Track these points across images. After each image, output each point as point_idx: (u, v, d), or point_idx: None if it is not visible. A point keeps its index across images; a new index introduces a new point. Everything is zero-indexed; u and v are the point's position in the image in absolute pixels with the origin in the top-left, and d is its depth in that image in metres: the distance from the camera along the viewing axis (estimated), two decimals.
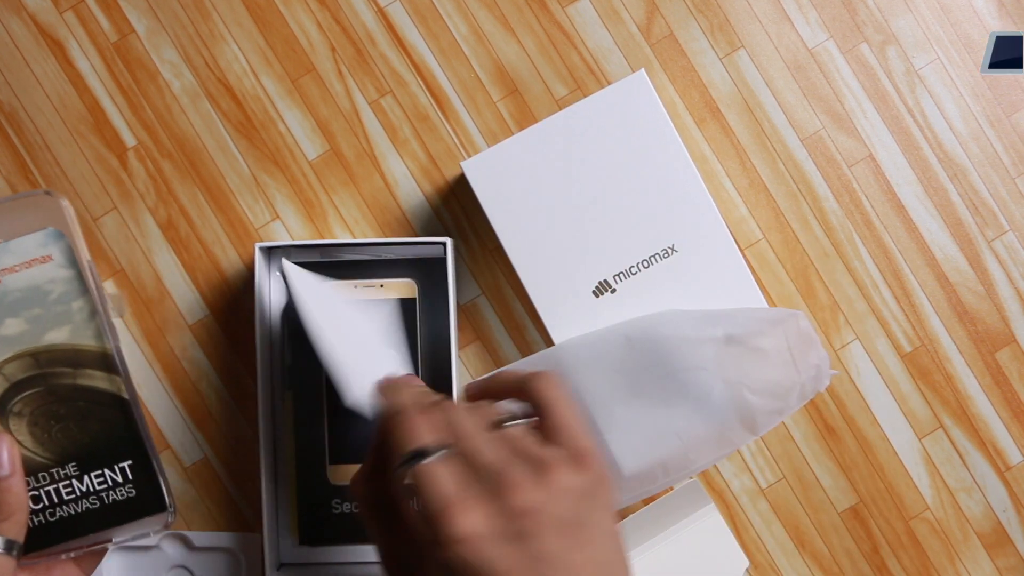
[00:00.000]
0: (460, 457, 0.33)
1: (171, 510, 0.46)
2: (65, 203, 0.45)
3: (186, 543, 0.56)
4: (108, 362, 0.44)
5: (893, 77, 0.58)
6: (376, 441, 0.38)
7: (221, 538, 0.56)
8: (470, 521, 0.31)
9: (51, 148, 0.57)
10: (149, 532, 0.45)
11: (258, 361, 0.52)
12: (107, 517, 0.44)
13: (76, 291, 0.44)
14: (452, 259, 0.53)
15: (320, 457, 0.52)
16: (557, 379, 0.37)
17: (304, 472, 0.52)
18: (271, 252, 0.55)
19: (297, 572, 0.54)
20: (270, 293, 0.55)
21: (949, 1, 0.58)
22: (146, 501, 0.45)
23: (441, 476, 0.32)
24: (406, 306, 0.51)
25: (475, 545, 0.30)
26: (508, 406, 0.38)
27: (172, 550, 0.56)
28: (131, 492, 0.44)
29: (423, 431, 0.34)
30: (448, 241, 0.52)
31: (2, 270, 0.43)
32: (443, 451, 0.33)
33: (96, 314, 0.44)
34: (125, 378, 0.44)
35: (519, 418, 0.36)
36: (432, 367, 0.52)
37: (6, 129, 0.57)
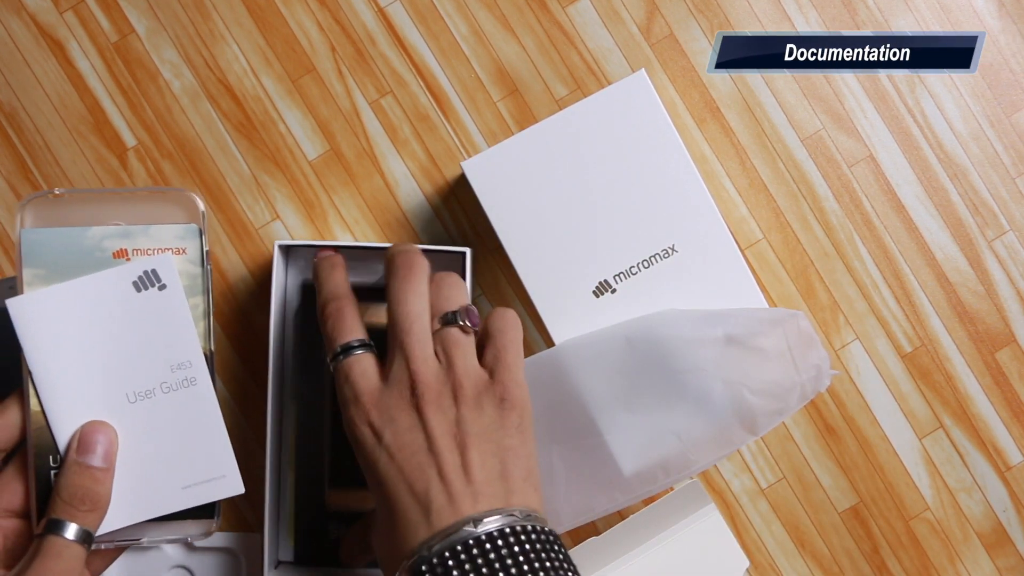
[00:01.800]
0: (398, 350, 0.39)
1: (218, 518, 0.45)
2: (202, 206, 0.47)
3: (186, 543, 0.56)
4: (207, 363, 0.45)
5: (893, 77, 0.58)
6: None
7: (221, 538, 0.56)
8: (371, 422, 0.38)
9: (51, 148, 0.57)
10: (188, 538, 0.45)
11: (270, 359, 0.52)
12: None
13: (198, 288, 0.45)
14: (471, 270, 0.53)
15: (319, 480, 0.51)
16: (514, 319, 0.42)
17: (302, 494, 0.51)
18: (290, 251, 0.54)
19: (295, 571, 0.54)
20: (285, 292, 0.55)
21: (949, 1, 0.58)
22: (196, 505, 0.45)
23: (356, 374, 0.39)
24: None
25: (367, 446, 0.38)
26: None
27: (172, 550, 0.56)
28: None
29: (355, 324, 0.40)
30: (468, 251, 0.52)
31: (136, 250, 0.45)
32: (365, 349, 0.39)
33: (207, 315, 0.45)
34: (212, 381, 0.45)
35: (466, 323, 0.41)
36: None
37: (6, 129, 0.57)
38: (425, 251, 0.52)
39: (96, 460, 0.40)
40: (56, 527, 0.39)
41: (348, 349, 0.41)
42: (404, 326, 0.41)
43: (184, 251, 0.45)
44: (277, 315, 0.53)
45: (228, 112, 0.58)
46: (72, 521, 0.39)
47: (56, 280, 0.43)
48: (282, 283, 0.54)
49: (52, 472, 0.41)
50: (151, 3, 0.58)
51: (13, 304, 0.41)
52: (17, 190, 0.57)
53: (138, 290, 0.43)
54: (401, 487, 0.36)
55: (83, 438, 0.41)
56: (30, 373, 0.41)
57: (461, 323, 0.42)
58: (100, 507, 0.40)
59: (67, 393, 0.41)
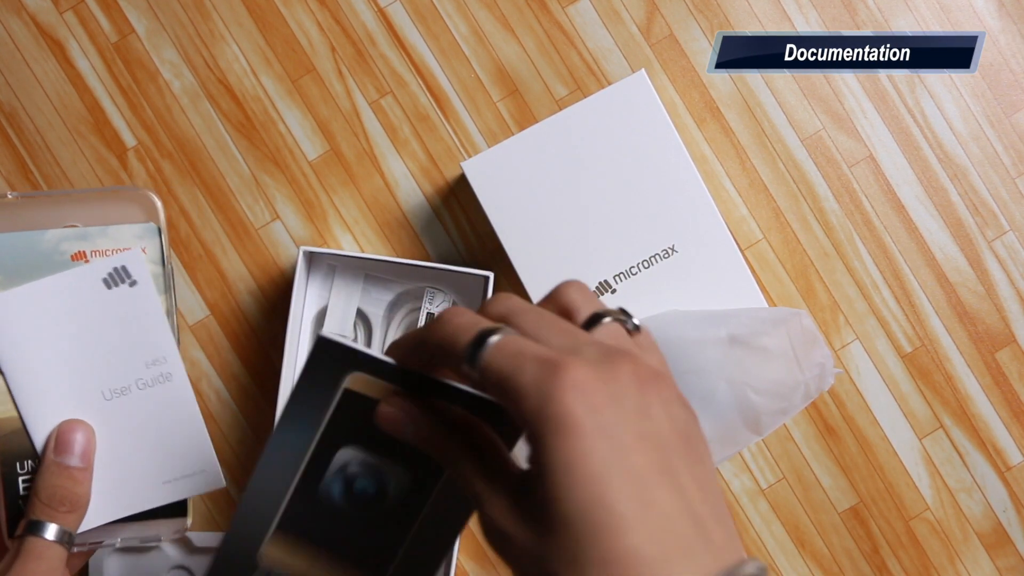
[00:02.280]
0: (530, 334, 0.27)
1: (190, 517, 0.45)
2: (160, 204, 0.47)
3: (186, 543, 0.56)
4: None
5: (893, 77, 0.58)
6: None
7: (221, 538, 0.56)
8: (578, 370, 0.24)
9: (51, 148, 0.57)
10: (160, 536, 0.45)
11: (284, 363, 0.52)
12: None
13: (160, 288, 0.45)
14: (491, 294, 0.53)
15: (263, 519, 0.35)
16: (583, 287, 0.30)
17: (233, 538, 0.35)
18: (312, 257, 0.55)
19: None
20: (305, 298, 0.55)
21: (949, 1, 0.58)
22: (166, 504, 0.44)
23: (524, 344, 0.26)
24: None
25: (587, 393, 0.24)
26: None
27: (172, 550, 0.56)
28: None
29: (477, 318, 0.28)
30: (491, 275, 0.52)
31: (95, 251, 0.45)
32: (507, 329, 0.27)
33: (170, 314, 0.45)
34: None
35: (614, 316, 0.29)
36: (434, 523, 0.36)
37: (6, 129, 0.57)
38: (446, 272, 0.53)
39: (74, 460, 0.40)
40: (36, 528, 0.38)
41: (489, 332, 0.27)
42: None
43: (144, 251, 0.45)
44: (295, 321, 0.53)
45: (228, 112, 0.58)
46: (52, 522, 0.38)
47: (14, 286, 0.42)
48: (303, 290, 0.54)
49: (21, 479, 0.41)
50: (151, 3, 0.58)
51: None
52: (17, 190, 0.57)
53: (108, 287, 0.43)
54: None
55: (60, 437, 0.40)
56: (2, 374, 0.41)
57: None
58: (80, 507, 0.40)
59: (42, 393, 0.41)
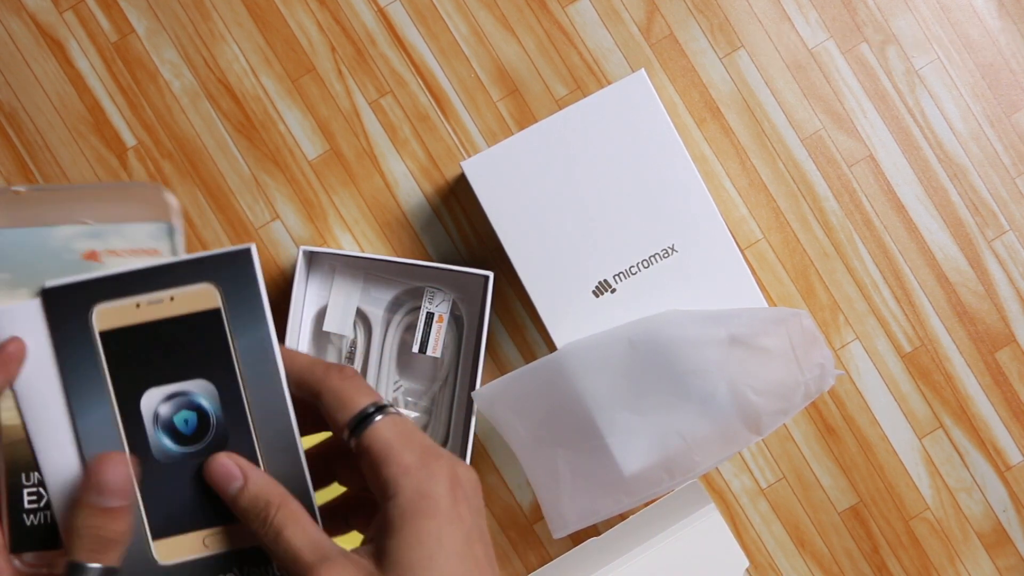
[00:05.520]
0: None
1: None
2: (175, 203, 0.45)
3: None
4: None
5: (893, 77, 0.58)
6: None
7: None
8: (452, 466, 0.31)
9: (51, 148, 0.57)
10: None
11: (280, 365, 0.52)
12: None
13: None
14: (491, 294, 0.53)
15: (137, 533, 0.36)
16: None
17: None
18: (312, 256, 0.55)
19: None
20: (305, 298, 0.55)
21: (949, 1, 0.58)
22: None
23: (412, 427, 0.32)
24: (209, 320, 0.35)
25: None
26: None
27: None
28: None
29: (370, 391, 0.33)
30: (491, 275, 0.52)
31: (109, 251, 0.43)
32: (392, 409, 0.33)
33: None
34: None
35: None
36: (261, 394, 0.35)
37: (6, 129, 0.57)
38: (446, 272, 0.53)
39: (113, 501, 0.37)
40: (79, 571, 0.37)
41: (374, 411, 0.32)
42: None
43: (159, 252, 0.44)
44: (295, 321, 0.53)
45: (228, 112, 0.58)
46: (95, 563, 0.37)
47: (23, 284, 0.41)
48: (303, 289, 0.54)
49: (25, 491, 0.37)
50: (151, 3, 0.58)
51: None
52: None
53: None
54: None
55: (95, 477, 0.38)
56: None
57: None
58: (123, 543, 0.38)
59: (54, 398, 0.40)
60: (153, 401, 0.34)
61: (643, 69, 0.50)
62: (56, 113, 0.57)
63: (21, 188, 0.43)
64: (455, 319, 0.56)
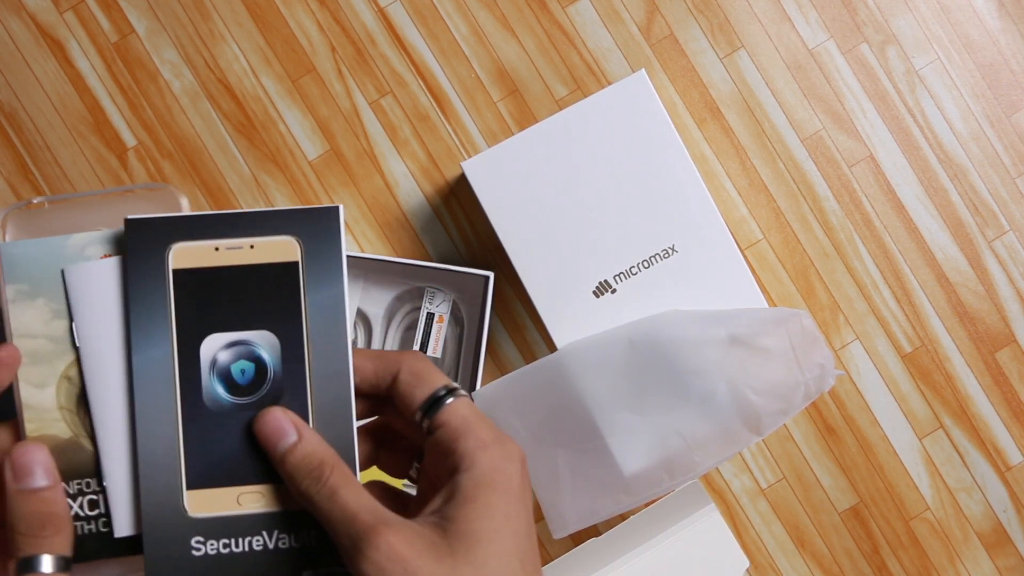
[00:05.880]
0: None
1: None
2: (185, 201, 0.45)
3: None
4: None
5: (893, 77, 0.58)
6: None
7: None
8: (517, 448, 0.32)
9: (51, 148, 0.57)
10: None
11: None
12: None
13: None
14: (491, 294, 0.53)
15: (171, 480, 0.35)
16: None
17: (149, 501, 0.35)
18: None
19: None
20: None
21: (949, 1, 0.58)
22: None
23: (478, 411, 0.33)
24: (285, 272, 0.35)
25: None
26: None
27: None
28: None
29: (440, 374, 0.34)
30: (491, 276, 0.52)
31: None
32: (461, 392, 0.33)
33: None
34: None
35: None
36: (323, 354, 0.35)
37: (6, 129, 0.57)
38: (446, 272, 0.53)
39: (39, 480, 0.37)
40: (30, 565, 0.36)
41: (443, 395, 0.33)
42: None
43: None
44: None
45: (228, 112, 0.58)
46: (43, 552, 0.36)
47: (41, 295, 0.39)
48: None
49: (86, 497, 0.36)
50: (151, 3, 0.58)
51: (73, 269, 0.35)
52: (17, 190, 0.57)
53: None
54: None
55: (16, 465, 0.37)
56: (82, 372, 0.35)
57: None
58: (64, 526, 0.36)
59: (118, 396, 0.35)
60: (213, 347, 0.33)
61: (643, 69, 0.50)
62: (56, 113, 0.57)
63: (38, 200, 0.42)
64: (455, 319, 0.56)
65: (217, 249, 0.33)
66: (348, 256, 0.53)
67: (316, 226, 0.33)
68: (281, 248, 0.33)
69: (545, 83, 0.58)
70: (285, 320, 0.33)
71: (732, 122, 0.58)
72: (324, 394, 0.33)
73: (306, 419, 0.33)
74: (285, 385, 0.33)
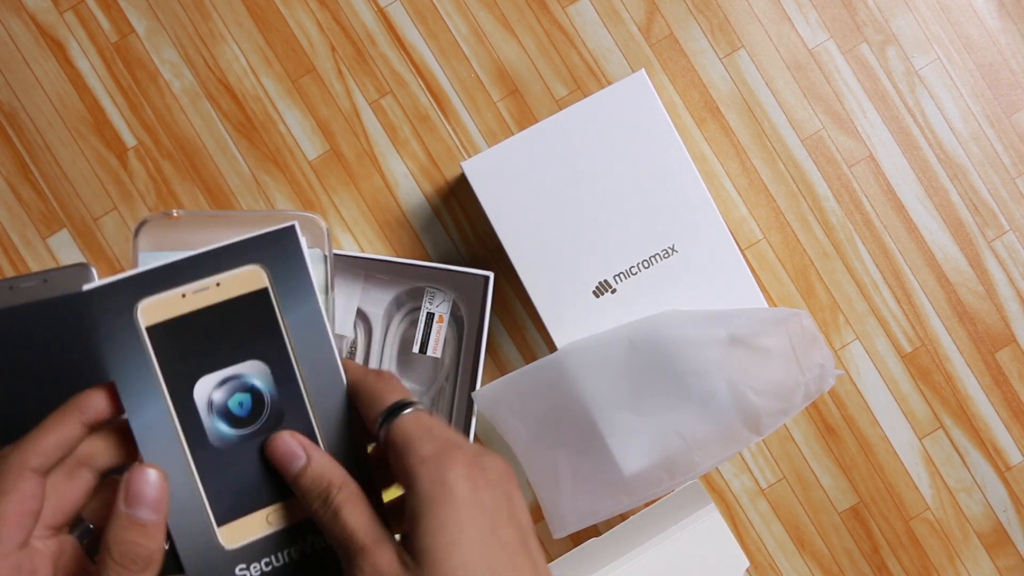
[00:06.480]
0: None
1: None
2: (326, 228, 0.44)
3: None
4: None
5: (893, 77, 0.58)
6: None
7: None
8: (467, 454, 0.32)
9: (51, 148, 0.57)
10: None
11: None
12: None
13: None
14: (491, 294, 0.53)
15: (201, 522, 0.36)
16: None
17: (186, 547, 0.35)
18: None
19: None
20: None
21: (949, 1, 0.58)
22: None
23: (432, 422, 0.33)
24: (258, 300, 0.34)
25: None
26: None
27: None
28: None
29: (402, 389, 0.34)
30: (491, 276, 0.52)
31: None
32: (419, 406, 0.33)
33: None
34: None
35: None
36: (314, 370, 0.35)
37: (6, 129, 0.57)
38: (446, 272, 0.53)
39: (146, 512, 0.36)
40: None
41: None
42: None
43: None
44: None
45: (228, 112, 0.58)
46: None
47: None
48: None
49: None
50: (151, 3, 0.58)
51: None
52: (17, 190, 0.57)
53: None
54: None
55: (130, 487, 0.37)
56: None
57: None
58: (153, 564, 0.36)
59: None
60: (207, 388, 0.33)
61: (643, 69, 0.50)
62: (56, 113, 0.57)
63: (176, 212, 0.41)
64: (455, 319, 0.56)
65: (184, 296, 0.33)
66: (347, 256, 0.53)
67: (276, 247, 0.34)
68: (247, 278, 0.33)
69: (545, 83, 0.58)
70: (269, 345, 0.34)
71: (732, 122, 0.58)
72: (323, 407, 0.34)
73: (312, 435, 0.33)
74: (284, 407, 0.34)
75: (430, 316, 0.54)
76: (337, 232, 0.57)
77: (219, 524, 0.35)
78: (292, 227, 0.33)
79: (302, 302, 0.34)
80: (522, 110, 0.58)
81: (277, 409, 0.34)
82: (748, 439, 0.48)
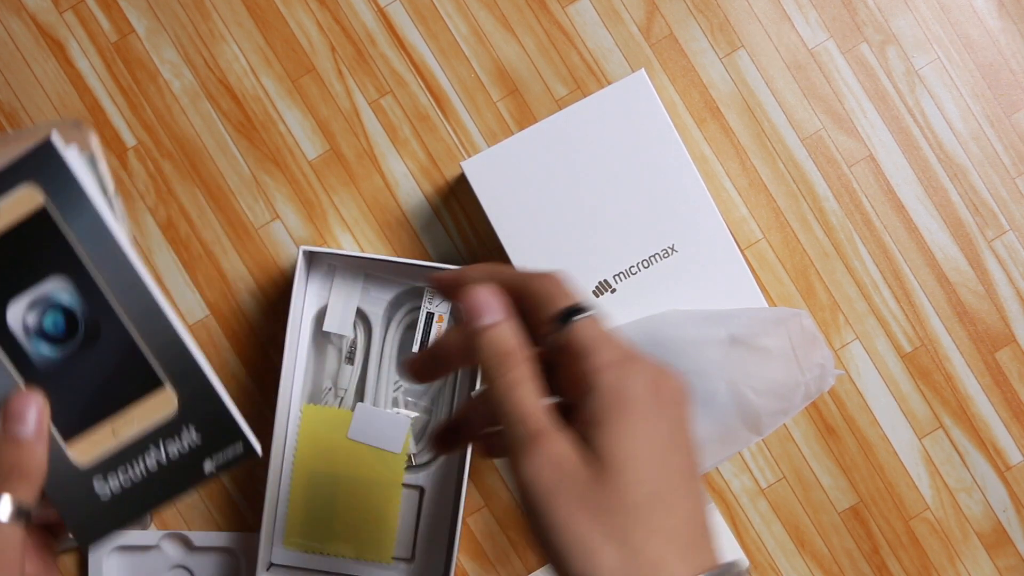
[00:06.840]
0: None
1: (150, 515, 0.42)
2: (94, 137, 0.44)
3: (186, 543, 0.56)
4: None
5: (893, 77, 0.58)
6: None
7: (221, 538, 0.56)
8: (651, 366, 0.30)
9: None
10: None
11: (284, 363, 0.52)
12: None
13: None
14: None
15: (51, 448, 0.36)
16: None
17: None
18: (312, 256, 0.55)
19: (286, 573, 0.54)
20: (304, 298, 0.55)
21: (949, 1, 0.58)
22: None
23: (610, 330, 0.31)
24: (41, 219, 0.34)
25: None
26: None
27: (172, 550, 0.56)
28: None
29: (570, 294, 0.32)
30: None
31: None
32: (596, 310, 0.32)
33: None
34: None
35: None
36: (114, 274, 0.34)
37: (6, 129, 0.57)
38: (438, 270, 0.53)
39: (26, 431, 0.37)
40: None
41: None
42: None
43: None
44: (295, 321, 0.53)
45: (228, 112, 0.58)
46: (4, 492, 0.35)
47: None
48: (303, 290, 0.54)
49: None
50: (151, 3, 0.58)
51: None
52: None
53: None
54: None
55: (10, 409, 0.37)
56: None
57: None
58: (32, 477, 0.36)
59: None
60: (19, 313, 0.34)
61: (643, 69, 0.51)
62: (56, 113, 0.57)
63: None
64: (455, 319, 0.56)
65: None
66: (348, 255, 0.53)
67: (41, 162, 0.34)
68: (24, 200, 0.34)
69: (545, 83, 0.58)
70: (63, 259, 0.34)
71: (732, 122, 0.58)
72: (135, 311, 0.34)
73: (131, 341, 0.34)
74: (100, 320, 0.34)
75: (430, 316, 0.54)
76: (337, 232, 0.57)
77: (65, 440, 0.35)
78: (49, 140, 0.33)
79: (82, 209, 0.34)
80: (522, 110, 0.58)
81: (92, 322, 0.34)
82: (748, 439, 0.48)
